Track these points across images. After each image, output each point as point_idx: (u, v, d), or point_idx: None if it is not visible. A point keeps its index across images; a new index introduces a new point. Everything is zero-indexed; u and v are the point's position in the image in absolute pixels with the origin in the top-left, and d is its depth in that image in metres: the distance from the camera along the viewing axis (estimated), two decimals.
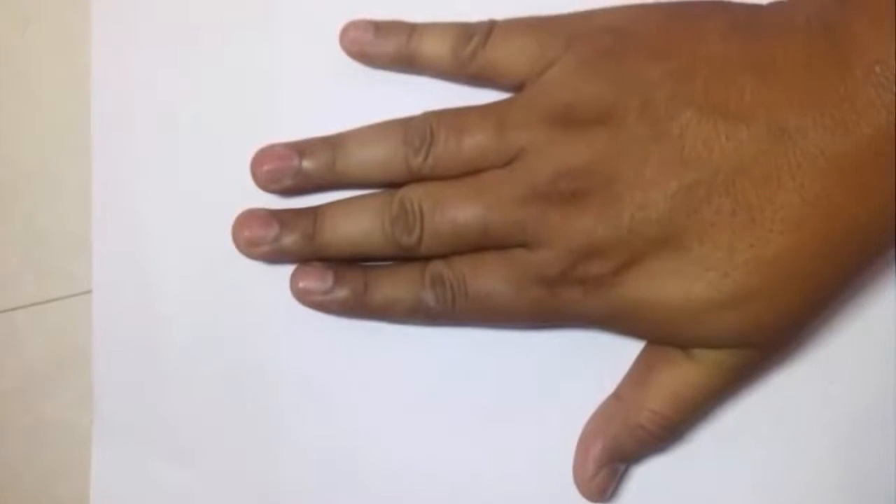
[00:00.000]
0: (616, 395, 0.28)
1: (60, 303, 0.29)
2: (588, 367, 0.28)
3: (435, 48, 0.27)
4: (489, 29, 0.27)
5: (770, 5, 0.25)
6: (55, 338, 0.29)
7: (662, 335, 0.26)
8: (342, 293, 0.27)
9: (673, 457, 0.28)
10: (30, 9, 0.29)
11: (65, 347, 0.29)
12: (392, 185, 0.27)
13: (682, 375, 0.26)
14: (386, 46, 0.27)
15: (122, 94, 0.29)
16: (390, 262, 0.27)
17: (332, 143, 0.27)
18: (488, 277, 0.26)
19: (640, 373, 0.27)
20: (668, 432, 0.26)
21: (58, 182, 0.29)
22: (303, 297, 0.27)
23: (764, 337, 0.25)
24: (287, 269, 0.28)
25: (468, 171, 0.26)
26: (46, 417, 0.30)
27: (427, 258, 0.27)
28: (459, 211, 0.26)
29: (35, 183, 0.30)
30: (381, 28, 0.27)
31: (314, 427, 0.29)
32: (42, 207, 0.30)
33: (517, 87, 0.27)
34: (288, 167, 0.27)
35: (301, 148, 0.27)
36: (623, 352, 0.27)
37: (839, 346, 0.28)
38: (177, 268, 0.29)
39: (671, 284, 0.24)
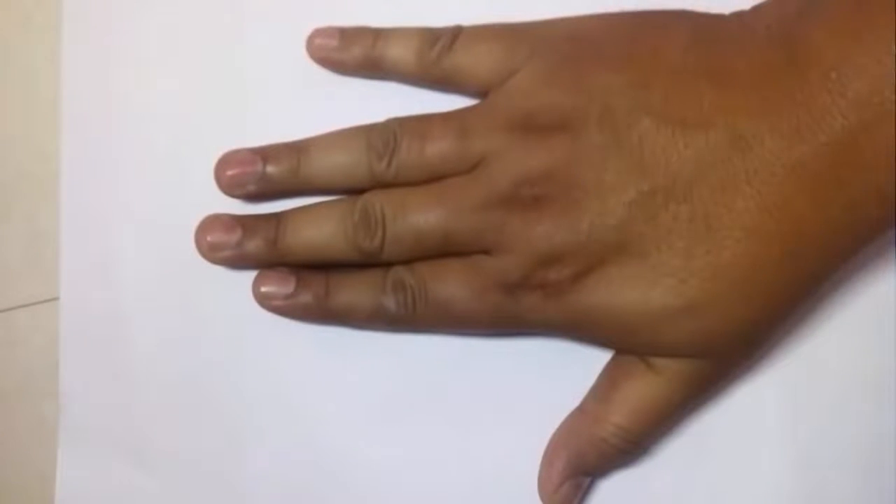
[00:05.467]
0: (580, 409, 0.27)
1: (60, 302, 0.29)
2: (560, 376, 0.28)
3: (400, 52, 0.27)
4: (455, 34, 0.27)
5: (732, 15, 0.25)
6: (55, 338, 0.29)
7: (622, 342, 0.26)
8: (304, 298, 0.27)
9: (637, 470, 0.28)
10: (30, 8, 0.30)
11: None
12: (355, 191, 0.27)
13: (644, 388, 0.26)
14: (352, 52, 0.27)
15: (89, 100, 0.29)
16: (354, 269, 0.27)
17: (297, 149, 0.27)
18: (449, 283, 0.26)
19: (603, 386, 0.27)
20: (631, 446, 0.26)
21: (58, 182, 0.29)
22: (264, 301, 0.27)
23: (722, 345, 0.24)
24: (252, 274, 0.27)
25: (431, 178, 0.26)
26: (46, 417, 0.30)
27: (389, 264, 0.26)
28: (421, 216, 0.26)
29: (35, 183, 0.30)
30: (346, 34, 0.28)
31: (281, 431, 0.28)
32: (42, 207, 0.30)
33: (482, 94, 0.27)
34: (252, 172, 0.27)
35: (265, 153, 0.27)
36: (595, 361, 0.27)
37: (801, 359, 0.28)
38: (143, 272, 0.29)
39: (629, 290, 0.24)
